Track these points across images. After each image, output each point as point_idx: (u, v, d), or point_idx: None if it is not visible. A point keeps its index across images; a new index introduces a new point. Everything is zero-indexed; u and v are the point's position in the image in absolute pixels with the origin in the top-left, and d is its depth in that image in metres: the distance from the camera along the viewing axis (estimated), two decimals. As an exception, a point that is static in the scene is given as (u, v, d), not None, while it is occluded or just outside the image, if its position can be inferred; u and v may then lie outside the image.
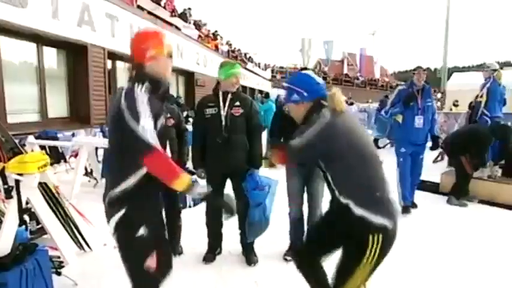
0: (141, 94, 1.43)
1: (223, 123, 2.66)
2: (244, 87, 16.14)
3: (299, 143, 1.54)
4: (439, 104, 19.17)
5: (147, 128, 1.37)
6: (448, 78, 16.11)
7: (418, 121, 3.97)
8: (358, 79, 33.17)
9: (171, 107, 3.02)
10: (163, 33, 1.60)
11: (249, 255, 2.88)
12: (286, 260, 2.84)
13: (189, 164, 3.04)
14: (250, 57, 20.34)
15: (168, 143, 2.62)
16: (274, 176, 2.80)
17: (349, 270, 1.53)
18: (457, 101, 11.56)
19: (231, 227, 2.91)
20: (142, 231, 1.48)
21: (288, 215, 2.90)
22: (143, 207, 1.51)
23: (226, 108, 2.68)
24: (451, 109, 11.64)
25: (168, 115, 2.83)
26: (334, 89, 1.60)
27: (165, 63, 1.55)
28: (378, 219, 1.46)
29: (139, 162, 1.40)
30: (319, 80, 1.69)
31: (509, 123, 5.00)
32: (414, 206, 4.26)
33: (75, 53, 5.93)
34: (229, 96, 2.70)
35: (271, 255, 2.95)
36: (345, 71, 35.14)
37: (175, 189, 1.42)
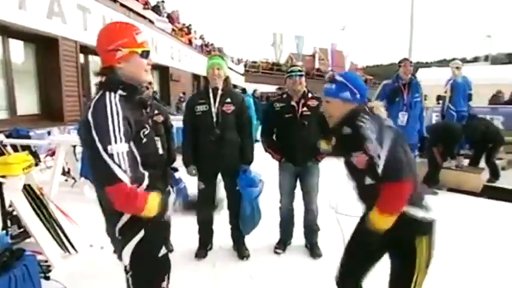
0: (115, 107, 1.21)
1: (215, 120, 2.65)
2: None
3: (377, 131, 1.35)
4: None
5: (116, 153, 1.16)
6: (413, 73, 16.86)
7: (402, 118, 3.66)
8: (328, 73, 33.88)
9: (157, 104, 2.98)
10: (135, 26, 1.35)
11: (240, 249, 2.91)
12: (277, 253, 2.91)
13: (178, 161, 3.01)
14: (222, 50, 20.14)
15: (159, 139, 2.60)
16: (262, 171, 2.84)
17: (408, 282, 1.43)
18: (425, 95, 12.17)
19: (220, 221, 2.93)
20: (163, 251, 1.40)
21: (278, 209, 2.96)
22: (159, 226, 1.38)
23: (217, 105, 2.67)
24: (418, 103, 12.18)
25: (156, 112, 2.79)
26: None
27: (140, 63, 1.32)
28: (424, 214, 1.42)
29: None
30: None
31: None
32: None
33: (45, 47, 5.62)
34: (220, 92, 2.69)
35: (262, 248, 3.01)
36: (317, 65, 35.71)
37: (145, 216, 1.25)
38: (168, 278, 1.54)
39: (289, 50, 36.44)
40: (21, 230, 2.67)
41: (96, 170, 1.22)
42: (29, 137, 4.52)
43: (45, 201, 2.68)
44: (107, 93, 1.25)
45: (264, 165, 2.95)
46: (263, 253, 2.96)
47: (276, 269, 2.72)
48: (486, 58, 23.39)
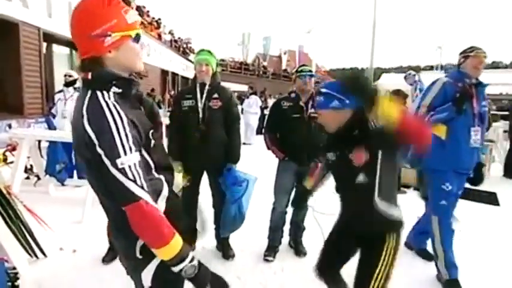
0: (114, 110, 0.98)
1: (201, 115, 2.58)
2: (187, 79, 15.68)
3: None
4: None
5: (128, 166, 0.96)
6: (374, 77, 17.76)
7: (475, 136, 2.45)
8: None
9: (147, 99, 2.83)
10: (121, 2, 1.05)
11: (225, 250, 2.86)
12: (268, 260, 2.80)
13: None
14: (191, 47, 19.73)
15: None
16: (252, 172, 2.79)
17: (370, 274, 1.51)
18: (391, 99, 12.94)
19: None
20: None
21: (271, 211, 2.89)
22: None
23: (203, 100, 2.60)
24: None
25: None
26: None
27: (133, 50, 1.08)
28: (400, 216, 1.54)
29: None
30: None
31: None
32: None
33: (3, 32, 5.12)
34: (207, 87, 2.61)
35: (247, 249, 2.96)
36: (284, 66, 36.23)
37: (157, 255, 1.02)
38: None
39: (256, 50, 36.72)
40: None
41: (109, 190, 0.99)
42: (-17, 131, 4.11)
43: (13, 201, 2.43)
44: (99, 94, 1.00)
45: (256, 165, 2.90)
46: (248, 253, 2.92)
47: (263, 269, 2.69)
48: (441, 67, 25.26)
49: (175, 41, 15.84)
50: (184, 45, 17.55)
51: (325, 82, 1.62)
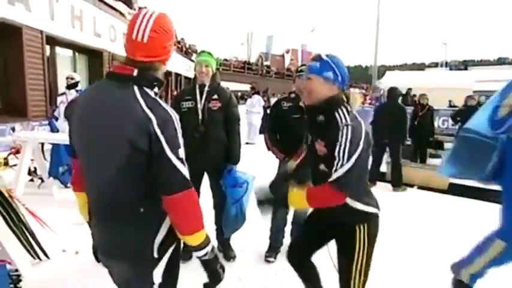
0: (167, 105, 1.10)
1: (200, 117, 2.58)
2: (190, 79, 15.67)
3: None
4: (373, 101, 20.93)
5: (184, 157, 1.06)
6: (378, 75, 17.64)
7: None
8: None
9: None
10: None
11: (226, 251, 2.85)
12: (268, 261, 2.80)
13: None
14: (194, 48, 19.76)
15: None
16: (251, 172, 2.79)
17: (348, 269, 1.54)
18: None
19: (206, 222, 2.85)
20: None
21: (272, 212, 2.88)
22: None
23: (203, 101, 2.60)
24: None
25: None
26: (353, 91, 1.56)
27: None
28: (368, 209, 1.54)
29: (160, 197, 1.07)
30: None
31: None
32: None
33: (6, 36, 5.17)
34: (206, 88, 2.61)
35: (248, 250, 2.96)
36: (286, 65, 36.17)
37: (187, 241, 1.12)
38: None
39: (260, 49, 36.74)
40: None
41: (160, 178, 1.06)
42: (-13, 134, 4.15)
43: (14, 204, 2.45)
44: (148, 90, 1.10)
45: (259, 165, 2.89)
46: (249, 254, 2.92)
47: (263, 270, 2.69)
48: (446, 64, 25.01)
49: (179, 42, 15.89)
50: (187, 46, 17.60)
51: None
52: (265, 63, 33.70)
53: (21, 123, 4.94)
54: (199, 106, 2.59)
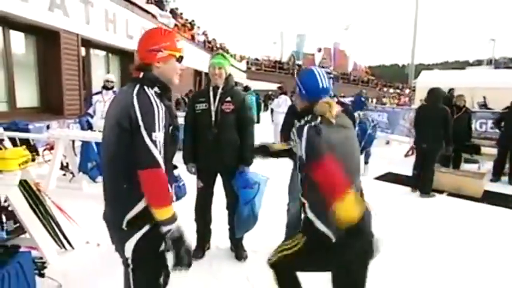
0: (157, 99, 1.35)
1: (213, 119, 2.63)
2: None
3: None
4: (407, 99, 20.01)
5: (158, 141, 1.28)
6: (416, 74, 16.83)
7: None
8: (330, 73, 33.71)
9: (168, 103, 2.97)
10: (176, 34, 1.52)
11: (238, 251, 2.89)
12: None
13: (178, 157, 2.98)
14: (225, 47, 20.05)
15: None
16: (265, 173, 2.80)
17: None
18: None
19: (219, 222, 2.91)
20: (163, 246, 1.41)
21: (286, 212, 2.90)
22: None
23: (216, 103, 2.64)
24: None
25: None
26: (330, 100, 1.61)
27: (175, 66, 1.45)
28: (322, 227, 1.49)
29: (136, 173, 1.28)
30: (325, 83, 1.66)
31: None
32: None
33: (46, 39, 5.57)
34: (220, 91, 2.66)
35: (260, 250, 2.97)
36: (317, 64, 35.59)
37: (154, 213, 1.30)
38: (167, 275, 1.56)
39: (293, 48, 36.40)
40: (17, 225, 2.63)
41: (136, 155, 1.28)
42: (27, 130, 4.48)
43: (42, 197, 2.64)
44: (146, 88, 1.36)
45: (276, 165, 2.90)
46: (261, 255, 2.92)
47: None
48: (490, 62, 23.28)
49: (209, 42, 16.18)
50: (218, 45, 17.89)
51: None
52: (297, 62, 33.40)
53: (57, 121, 5.29)
54: (213, 108, 2.64)
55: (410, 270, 2.78)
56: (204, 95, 2.69)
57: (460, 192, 5.09)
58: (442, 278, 2.69)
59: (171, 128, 1.42)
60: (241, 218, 2.72)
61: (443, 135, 4.78)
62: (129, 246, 1.37)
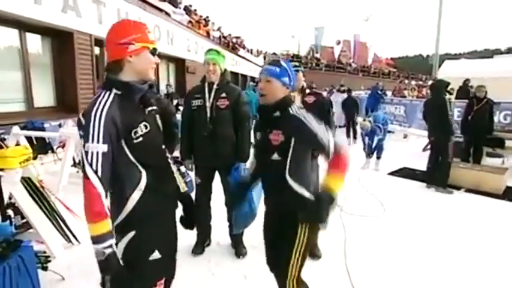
0: (102, 106, 1.26)
1: (208, 115, 2.63)
2: (236, 74, 15.98)
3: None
4: (429, 91, 19.17)
5: (91, 152, 1.22)
6: (440, 65, 16.11)
7: None
8: (350, 65, 32.97)
9: (157, 97, 2.98)
10: (146, 25, 1.39)
11: (237, 248, 2.89)
12: None
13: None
14: (242, 43, 20.00)
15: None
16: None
17: (288, 254, 1.66)
18: (452, 88, 11.62)
19: (220, 218, 2.91)
20: (155, 255, 1.41)
21: None
22: (155, 228, 1.41)
23: (211, 99, 2.64)
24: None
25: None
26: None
27: (149, 59, 1.36)
28: (309, 195, 1.63)
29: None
30: None
31: None
32: None
33: (60, 40, 5.74)
34: (215, 87, 2.65)
35: (259, 247, 2.95)
36: (336, 57, 34.85)
37: (88, 229, 1.25)
38: (167, 285, 1.56)
39: (311, 41, 35.82)
40: (24, 220, 2.75)
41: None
42: (43, 129, 4.65)
43: (46, 194, 2.74)
44: (103, 92, 1.31)
45: None
46: (260, 252, 2.90)
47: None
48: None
49: (224, 37, 16.18)
50: (234, 41, 17.86)
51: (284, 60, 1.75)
52: (315, 55, 32.88)
53: (73, 119, 5.46)
54: (208, 104, 2.64)
55: (426, 269, 2.70)
56: (199, 91, 2.70)
57: (480, 189, 4.85)
58: (459, 278, 2.57)
59: (136, 131, 1.33)
60: (239, 214, 2.70)
61: (442, 126, 4.74)
62: (120, 247, 1.37)
